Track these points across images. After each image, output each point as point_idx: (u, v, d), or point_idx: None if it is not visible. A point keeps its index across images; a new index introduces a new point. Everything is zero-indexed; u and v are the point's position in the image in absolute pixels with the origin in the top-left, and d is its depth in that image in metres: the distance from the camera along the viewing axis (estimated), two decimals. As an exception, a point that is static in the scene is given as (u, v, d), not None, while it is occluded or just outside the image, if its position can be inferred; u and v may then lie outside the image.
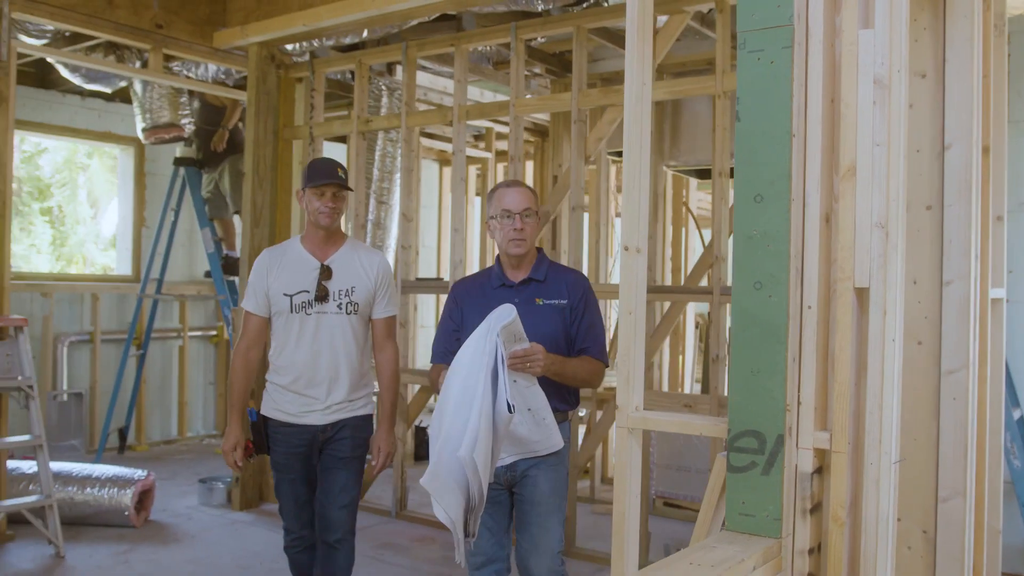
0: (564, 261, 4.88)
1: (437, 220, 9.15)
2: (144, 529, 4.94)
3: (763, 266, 2.05)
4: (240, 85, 6.01)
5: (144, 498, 5.01)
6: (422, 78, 6.23)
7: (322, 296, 3.23)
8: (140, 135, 6.45)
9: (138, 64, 5.65)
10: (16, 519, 4.66)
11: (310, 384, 3.24)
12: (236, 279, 6.30)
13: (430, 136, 7.97)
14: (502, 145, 7.94)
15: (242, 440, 3.28)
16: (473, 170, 8.36)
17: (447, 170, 9.43)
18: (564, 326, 2.94)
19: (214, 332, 7.79)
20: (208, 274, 7.01)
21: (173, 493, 5.74)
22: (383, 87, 6.13)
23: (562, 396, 2.99)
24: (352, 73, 5.67)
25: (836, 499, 2.04)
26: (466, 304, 3.01)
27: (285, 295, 3.23)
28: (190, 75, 6.00)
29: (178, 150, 6.90)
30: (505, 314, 2.67)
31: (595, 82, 5.57)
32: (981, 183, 3.02)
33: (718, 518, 2.25)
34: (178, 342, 7.56)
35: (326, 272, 3.25)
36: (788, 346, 2.02)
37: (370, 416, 3.40)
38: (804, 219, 2.05)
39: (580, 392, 3.16)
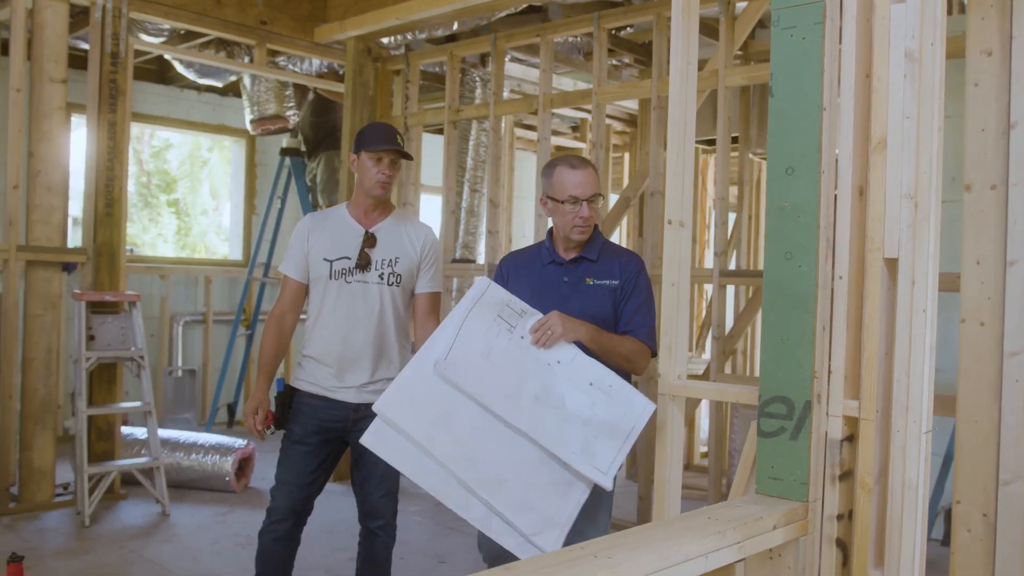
0: (647, 246, 4.94)
1: (535, 209, 9.29)
2: (243, 494, 5.27)
3: (793, 237, 2.10)
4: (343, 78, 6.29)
5: (244, 466, 5.34)
6: (515, 69, 6.39)
7: (364, 264, 3.06)
8: (248, 126, 6.83)
9: (246, 60, 5.99)
10: (128, 480, 5.06)
11: (345, 358, 3.06)
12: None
13: (530, 127, 8.12)
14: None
15: (265, 405, 3.09)
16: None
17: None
18: (612, 307, 2.80)
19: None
20: (311, 259, 7.35)
21: (272, 463, 6.05)
22: (477, 78, 6.31)
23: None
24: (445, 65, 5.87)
25: (864, 466, 2.07)
26: (513, 279, 2.88)
27: (325, 260, 3.07)
28: (296, 69, 6.33)
29: (284, 141, 7.26)
30: (480, 291, 2.58)
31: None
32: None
33: (752, 485, 2.32)
34: (285, 324, 7.94)
35: (370, 240, 3.08)
36: (817, 315, 2.07)
37: None
38: (837, 191, 2.10)
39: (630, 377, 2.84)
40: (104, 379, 5.06)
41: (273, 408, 3.11)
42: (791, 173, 2.11)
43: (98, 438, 5.04)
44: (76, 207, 5.54)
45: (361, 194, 3.12)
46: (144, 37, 5.55)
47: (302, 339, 3.21)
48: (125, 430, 5.25)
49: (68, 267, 5.03)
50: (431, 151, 6.93)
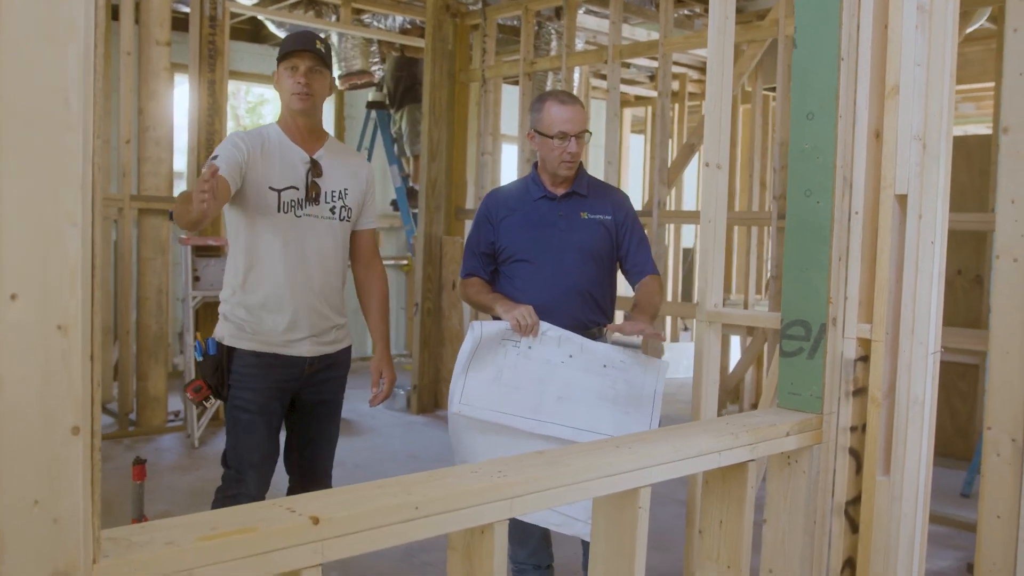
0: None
1: (604, 156, 9.52)
2: (335, 425, 5.73)
3: (812, 176, 2.32)
4: (420, 33, 6.58)
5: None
6: (590, 21, 6.57)
7: (314, 196, 2.64)
8: (336, 82, 7.19)
9: (333, 18, 6.32)
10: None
11: (299, 305, 2.66)
12: (416, 210, 6.94)
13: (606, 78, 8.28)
14: (675, 85, 8.14)
15: None
16: (630, 112, 8.62)
17: (625, 111, 9.76)
18: (608, 242, 2.85)
19: (405, 261, 8.55)
20: (395, 206, 7.72)
21: (363, 398, 6.51)
22: (552, 31, 6.52)
23: (592, 310, 2.86)
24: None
25: (874, 383, 2.30)
26: (502, 215, 2.86)
27: (272, 189, 2.59)
28: (380, 26, 6.64)
29: (370, 95, 7.60)
30: (475, 337, 2.65)
31: (750, 19, 5.71)
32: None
33: (775, 402, 2.56)
34: (373, 270, 8.37)
35: (316, 168, 2.65)
36: (833, 247, 2.29)
37: (350, 349, 2.95)
38: (854, 134, 2.30)
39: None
40: (208, 316, 5.54)
41: (202, 376, 2.67)
42: (811, 118, 2.32)
43: (204, 371, 5.54)
44: (179, 160, 6.00)
45: (288, 115, 2.68)
46: (239, 0, 5.94)
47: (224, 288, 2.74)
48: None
49: (174, 214, 5.50)
50: (510, 101, 7.18)
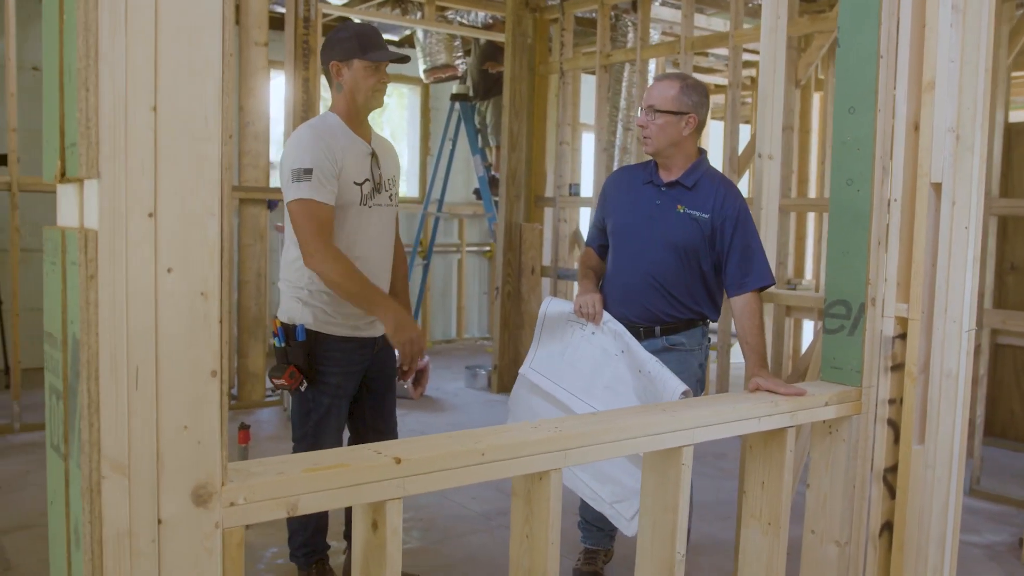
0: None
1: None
2: (420, 401, 6.07)
3: (854, 166, 2.50)
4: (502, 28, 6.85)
5: (420, 376, 6.11)
6: (667, 13, 6.73)
7: (379, 186, 2.79)
8: (422, 76, 7.51)
9: (418, 15, 6.64)
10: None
11: None
12: (497, 198, 7.23)
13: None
14: (753, 72, 8.22)
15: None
16: (717, 98, 8.73)
17: (706, 98, 9.88)
18: (700, 240, 2.82)
19: (488, 248, 8.86)
20: (477, 194, 8.02)
21: (446, 378, 6.87)
22: (629, 23, 6.70)
23: (666, 303, 2.90)
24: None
25: (910, 358, 2.48)
26: (615, 193, 2.96)
27: (355, 184, 2.71)
28: (464, 21, 6.93)
29: (455, 87, 7.91)
30: (544, 309, 2.96)
31: (823, 8, 5.80)
32: None
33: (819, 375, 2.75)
34: (457, 256, 8.72)
35: (376, 158, 2.79)
36: (872, 232, 2.47)
37: None
38: (893, 127, 2.47)
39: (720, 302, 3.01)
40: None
41: (293, 361, 2.69)
42: (853, 112, 2.50)
43: (299, 349, 5.94)
44: (275, 150, 6.41)
45: (351, 106, 2.76)
46: (330, 0, 6.29)
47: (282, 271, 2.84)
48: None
49: (271, 204, 5.91)
50: (589, 90, 7.39)
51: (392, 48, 2.91)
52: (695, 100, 2.83)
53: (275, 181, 6.55)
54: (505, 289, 6.48)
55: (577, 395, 2.85)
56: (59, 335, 1.23)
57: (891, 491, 2.51)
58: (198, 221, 1.23)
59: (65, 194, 1.25)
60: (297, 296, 2.75)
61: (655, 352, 2.84)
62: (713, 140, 8.85)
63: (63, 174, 1.19)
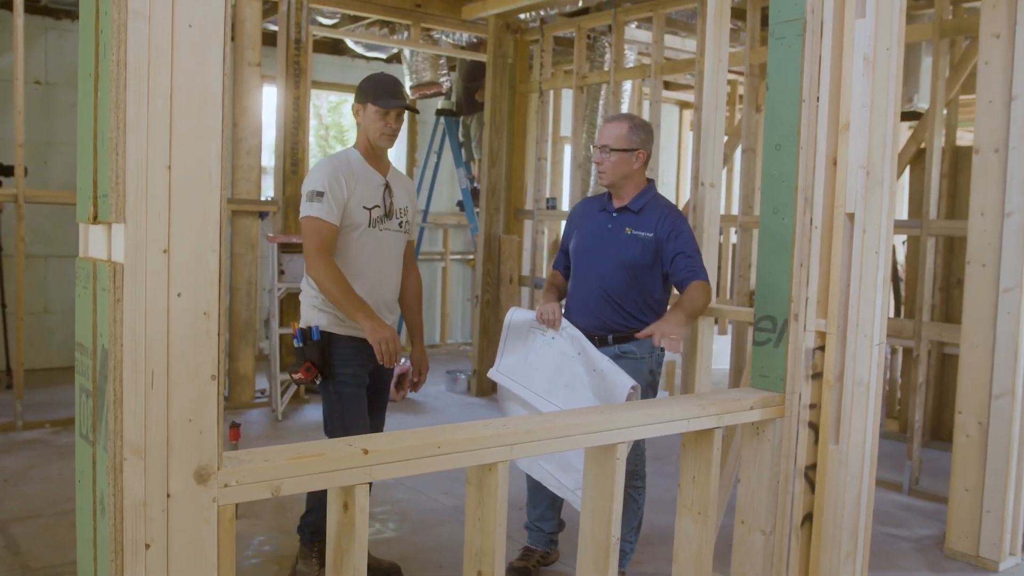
0: (735, 196, 5.59)
1: (676, 160, 10.05)
2: (402, 404, 6.37)
3: (780, 197, 2.82)
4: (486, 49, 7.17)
5: (402, 380, 6.39)
6: (642, 35, 7.06)
7: (391, 213, 3.20)
8: (408, 91, 7.83)
9: (404, 35, 6.96)
10: (310, 388, 6.24)
11: (380, 303, 3.19)
12: (478, 210, 7.56)
13: (667, 87, 8.75)
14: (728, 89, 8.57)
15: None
16: (691, 114, 9.06)
17: (687, 113, 10.23)
18: (648, 257, 3.15)
19: (471, 256, 9.18)
20: (461, 205, 8.34)
21: (428, 381, 7.10)
22: (606, 44, 7.02)
23: (618, 315, 3.22)
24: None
25: (828, 368, 2.80)
26: (579, 221, 3.34)
27: (364, 208, 3.12)
28: (448, 40, 7.26)
29: (440, 103, 8.23)
30: (508, 319, 3.32)
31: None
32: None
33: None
34: (441, 264, 9.03)
35: (389, 189, 3.21)
36: (795, 255, 2.79)
37: None
38: (814, 163, 2.79)
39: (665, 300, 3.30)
40: (292, 306, 6.24)
41: (309, 358, 3.10)
42: (779, 149, 2.82)
43: (287, 353, 6.23)
44: (267, 156, 6.73)
45: (366, 144, 3.17)
46: (321, 20, 6.60)
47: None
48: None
49: (262, 215, 6.22)
50: (570, 103, 7.72)
51: (387, 78, 3.20)
52: (643, 137, 3.19)
53: (268, 192, 6.86)
54: (484, 297, 6.79)
55: (541, 395, 3.18)
56: (90, 345, 1.53)
57: (812, 486, 2.83)
58: (202, 255, 1.54)
59: (95, 232, 1.56)
60: (313, 304, 3.16)
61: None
62: (690, 154, 9.18)
63: (95, 217, 1.50)
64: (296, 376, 3.13)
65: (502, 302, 6.74)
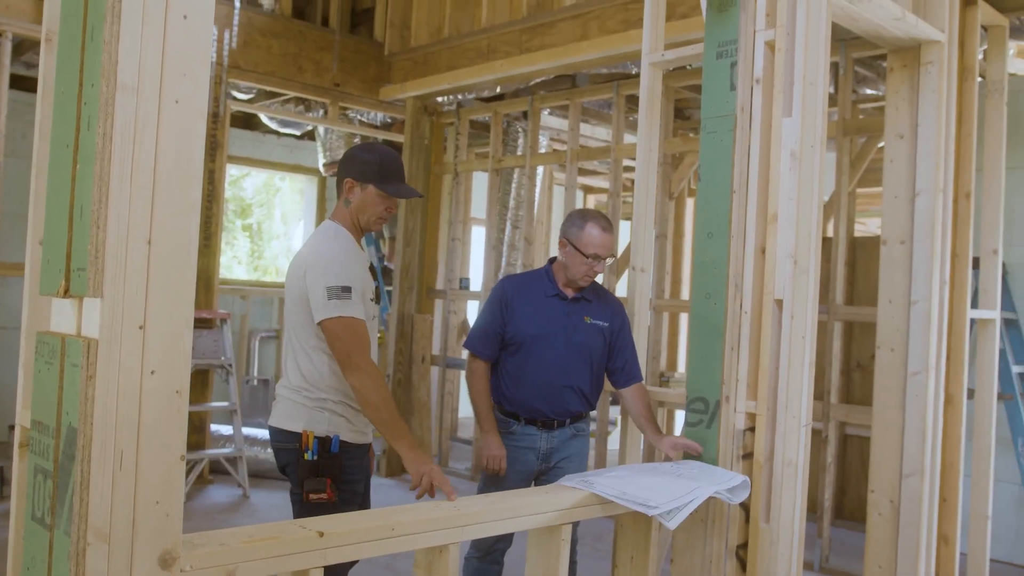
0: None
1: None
2: (310, 485, 6.20)
3: (711, 283, 2.93)
4: (399, 129, 7.26)
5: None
6: (555, 121, 7.28)
7: (377, 296, 2.91)
8: (321, 168, 7.83)
9: (320, 113, 6.98)
10: (215, 468, 6.02)
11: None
12: (390, 288, 7.53)
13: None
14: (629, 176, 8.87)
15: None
16: (594, 199, 9.33)
17: (591, 197, 10.50)
18: (603, 346, 3.22)
19: (379, 335, 9.10)
20: (372, 284, 8.30)
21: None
22: (520, 129, 7.21)
23: (580, 402, 3.26)
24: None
25: (758, 448, 2.88)
26: (517, 304, 3.20)
27: (371, 300, 2.82)
28: (364, 120, 7.32)
29: (352, 180, 8.24)
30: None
31: (696, 127, 6.44)
32: (953, 223, 3.74)
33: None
34: (348, 342, 8.90)
35: (373, 272, 3.07)
36: (726, 339, 2.89)
37: None
38: (744, 251, 2.92)
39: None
40: (198, 383, 6.05)
41: (329, 474, 2.67)
42: (710, 237, 2.94)
43: (192, 431, 6.00)
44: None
45: (354, 224, 2.81)
46: (237, 95, 6.57)
47: (303, 381, 2.75)
48: (213, 427, 6.23)
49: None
50: (480, 185, 7.83)
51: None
52: None
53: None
54: (396, 377, 6.73)
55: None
56: (52, 424, 1.47)
57: (743, 565, 2.88)
58: (177, 332, 1.50)
59: (63, 306, 1.51)
60: (322, 407, 2.71)
61: (566, 439, 3.24)
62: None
63: (67, 291, 1.45)
64: (318, 497, 2.61)
65: (414, 381, 6.69)
